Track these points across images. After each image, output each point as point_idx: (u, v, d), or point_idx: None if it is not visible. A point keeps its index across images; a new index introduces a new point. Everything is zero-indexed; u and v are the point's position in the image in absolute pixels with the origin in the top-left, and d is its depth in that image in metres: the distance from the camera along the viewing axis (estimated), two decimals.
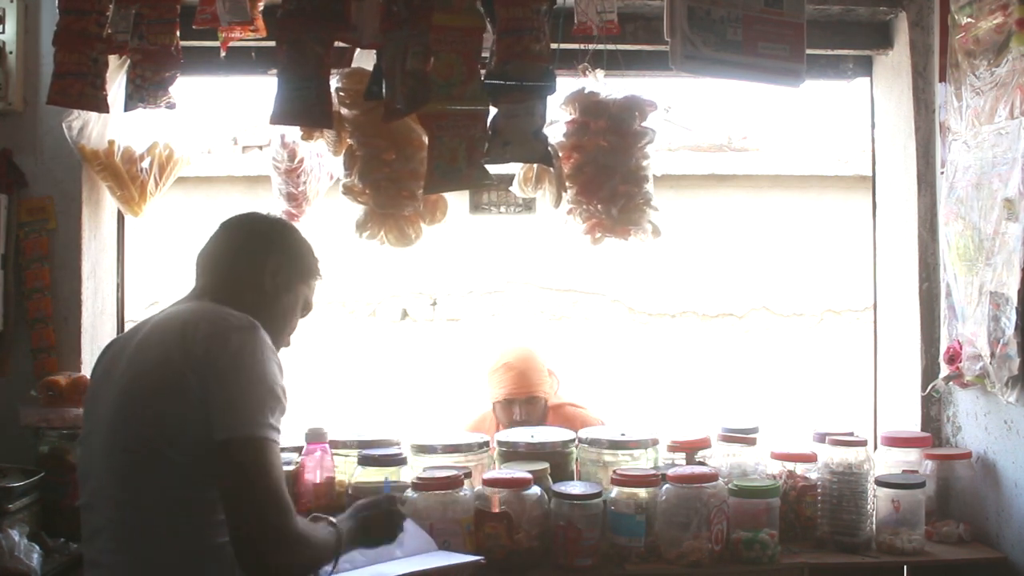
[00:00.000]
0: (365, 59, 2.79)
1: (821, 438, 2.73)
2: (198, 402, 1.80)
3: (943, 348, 2.86)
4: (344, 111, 2.77)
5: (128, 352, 1.94)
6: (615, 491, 2.52)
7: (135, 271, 3.37)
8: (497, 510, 2.45)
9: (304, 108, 2.57)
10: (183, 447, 1.81)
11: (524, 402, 3.29)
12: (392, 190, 2.77)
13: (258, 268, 2.07)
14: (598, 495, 2.49)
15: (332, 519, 2.00)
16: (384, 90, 2.50)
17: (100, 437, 1.90)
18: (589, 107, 2.83)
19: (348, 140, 2.82)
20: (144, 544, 1.83)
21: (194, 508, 1.83)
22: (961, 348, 2.75)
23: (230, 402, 1.80)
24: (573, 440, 2.78)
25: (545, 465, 2.63)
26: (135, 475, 1.84)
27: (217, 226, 2.14)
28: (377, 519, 2.12)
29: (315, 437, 2.65)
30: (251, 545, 1.76)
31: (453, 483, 2.45)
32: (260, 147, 6.35)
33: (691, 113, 6.65)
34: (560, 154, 2.83)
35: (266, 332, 1.94)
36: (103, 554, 1.88)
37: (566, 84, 2.84)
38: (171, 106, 2.75)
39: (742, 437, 2.72)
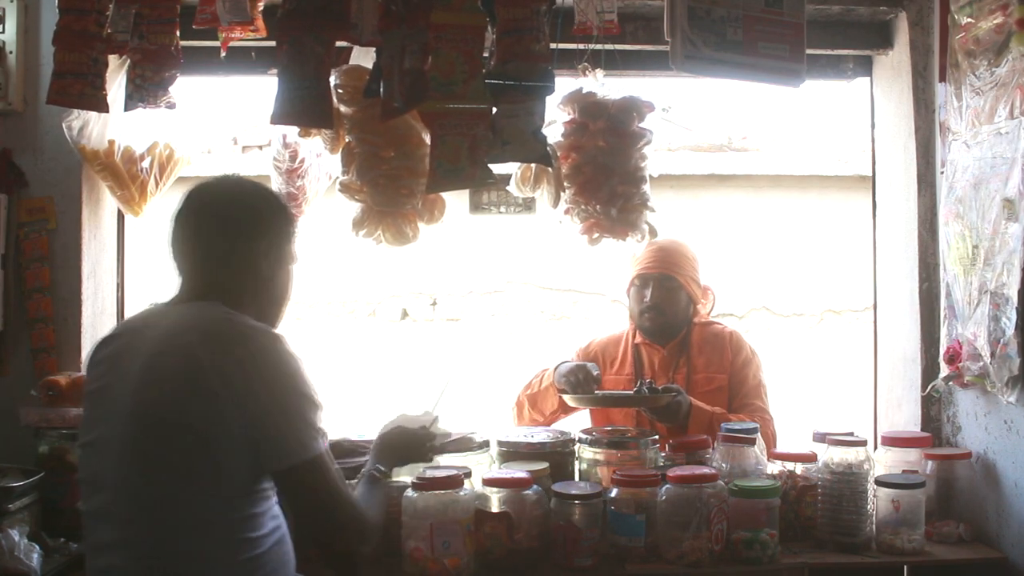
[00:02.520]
0: (363, 56, 2.79)
1: (821, 438, 2.73)
2: (233, 424, 1.80)
3: (943, 348, 2.86)
4: (343, 108, 2.76)
5: (139, 363, 1.87)
6: (615, 491, 2.52)
7: (135, 271, 3.37)
8: (497, 510, 2.45)
9: (304, 108, 2.57)
10: (212, 469, 1.81)
11: (657, 280, 3.06)
12: (390, 188, 2.77)
13: (251, 257, 1.98)
14: (598, 495, 2.48)
15: (379, 468, 2.21)
16: (382, 88, 2.50)
17: (115, 451, 1.85)
18: (588, 107, 2.83)
19: (346, 137, 2.82)
20: (165, 563, 1.80)
21: (218, 528, 1.82)
22: (961, 348, 2.75)
23: (281, 429, 1.83)
24: (573, 440, 2.78)
25: (545, 465, 2.63)
26: (161, 496, 1.81)
27: (179, 213, 1.99)
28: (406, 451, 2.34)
29: None
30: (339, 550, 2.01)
31: (453, 483, 2.44)
32: (260, 147, 6.36)
33: (691, 113, 6.67)
34: (558, 154, 2.83)
35: (271, 312, 2.00)
36: (115, 570, 1.84)
37: (566, 84, 2.85)
38: (171, 106, 2.76)
39: (742, 437, 2.72)
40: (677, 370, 3.12)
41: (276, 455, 1.83)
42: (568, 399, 2.96)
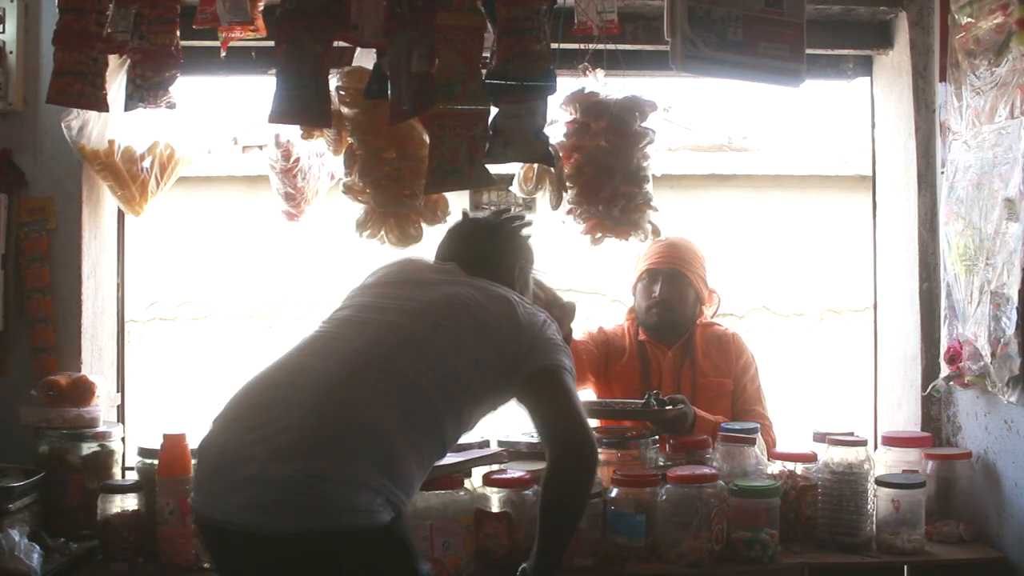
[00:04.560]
0: (365, 58, 2.79)
1: (821, 438, 2.73)
2: (512, 361, 2.12)
3: (943, 348, 2.86)
4: (344, 110, 2.77)
5: (432, 287, 2.20)
6: (615, 491, 2.52)
7: (135, 271, 3.36)
8: (497, 510, 2.45)
9: (303, 107, 2.57)
10: (451, 378, 2.03)
11: (667, 275, 3.02)
12: (393, 189, 2.77)
13: (507, 274, 2.36)
14: (598, 495, 2.48)
15: None
16: (389, 91, 2.50)
17: (388, 313, 2.11)
18: (590, 107, 2.83)
19: (348, 139, 2.82)
20: (347, 408, 1.92)
21: (412, 421, 1.95)
22: (962, 348, 2.75)
23: (532, 351, 2.15)
24: None
25: (545, 465, 2.62)
26: (401, 362, 2.00)
27: (471, 227, 2.45)
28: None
29: None
30: (572, 442, 2.14)
31: (453, 483, 2.45)
32: (260, 147, 6.34)
33: (691, 113, 6.65)
34: (560, 154, 2.83)
35: None
36: (302, 389, 1.94)
37: (566, 84, 2.85)
38: (171, 106, 2.75)
39: (742, 437, 2.72)
40: (683, 373, 3.08)
41: (525, 366, 2.13)
42: None
